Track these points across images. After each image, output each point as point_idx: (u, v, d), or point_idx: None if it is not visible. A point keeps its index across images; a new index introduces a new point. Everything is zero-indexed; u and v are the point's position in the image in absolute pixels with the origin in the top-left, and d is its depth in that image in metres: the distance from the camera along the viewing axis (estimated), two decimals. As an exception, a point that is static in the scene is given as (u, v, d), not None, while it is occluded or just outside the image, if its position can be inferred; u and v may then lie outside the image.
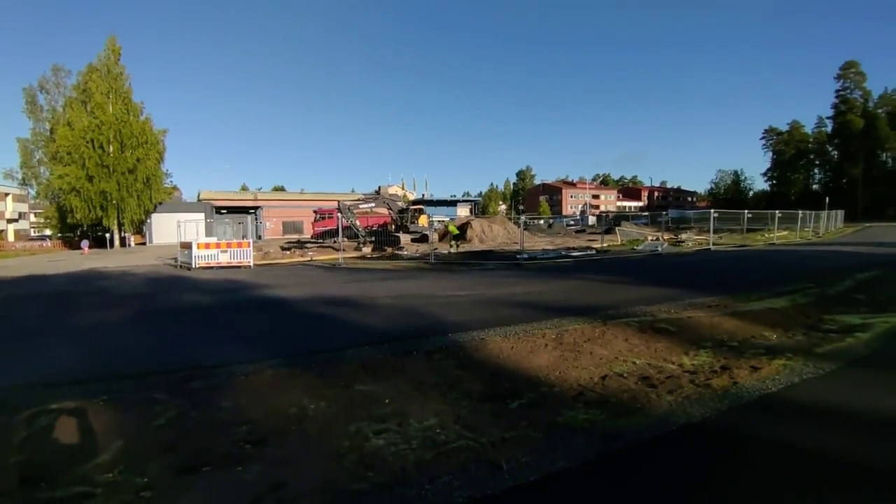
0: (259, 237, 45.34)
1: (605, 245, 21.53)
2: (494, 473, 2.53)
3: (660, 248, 18.21)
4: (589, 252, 18.13)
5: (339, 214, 21.42)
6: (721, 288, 8.28)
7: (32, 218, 69.98)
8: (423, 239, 25.91)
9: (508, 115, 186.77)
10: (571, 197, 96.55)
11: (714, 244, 20.02)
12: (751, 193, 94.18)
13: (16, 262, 24.83)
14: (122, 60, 38.58)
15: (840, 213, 38.37)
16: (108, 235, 37.92)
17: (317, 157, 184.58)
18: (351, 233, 23.78)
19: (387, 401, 3.56)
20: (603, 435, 2.95)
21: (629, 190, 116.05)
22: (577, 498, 2.36)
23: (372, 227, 28.42)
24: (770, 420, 3.18)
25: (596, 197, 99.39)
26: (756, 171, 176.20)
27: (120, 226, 38.45)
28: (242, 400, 3.62)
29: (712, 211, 21.61)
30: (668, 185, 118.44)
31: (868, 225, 43.51)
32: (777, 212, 23.80)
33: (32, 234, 63.78)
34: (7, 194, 62.26)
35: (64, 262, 22.52)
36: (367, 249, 22.01)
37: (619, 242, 24.01)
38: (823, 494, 2.29)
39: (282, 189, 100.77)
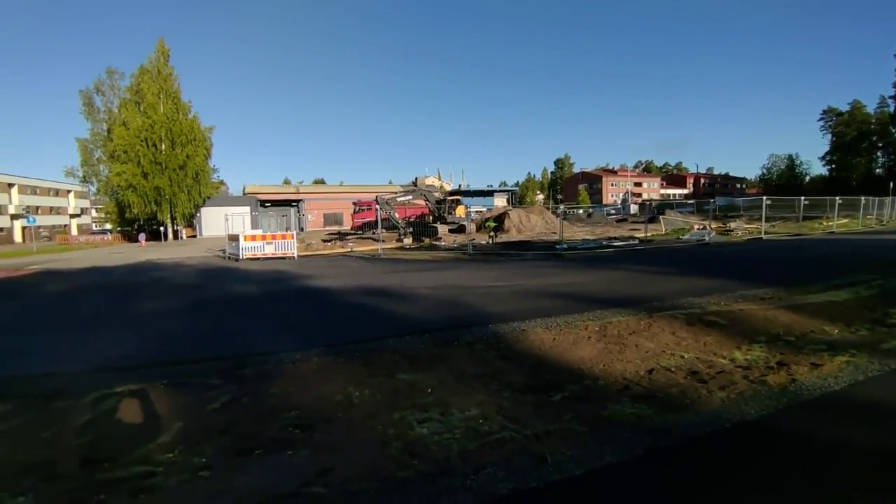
0: (301, 229, 46.62)
1: (648, 234, 20.83)
2: (539, 466, 2.50)
3: (707, 238, 17.45)
4: (631, 242, 17.61)
5: (377, 206, 21.75)
6: (775, 279, 7.86)
7: (94, 213, 74.67)
8: (461, 229, 25.96)
9: (545, 103, 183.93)
10: (612, 185, 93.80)
11: (766, 233, 19.05)
12: (807, 179, 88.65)
13: (79, 254, 26.59)
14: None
15: (905, 200, 35.60)
16: (162, 229, 40.06)
17: (354, 150, 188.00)
18: (390, 224, 24.08)
19: (429, 390, 3.59)
20: (651, 430, 2.86)
21: (673, 177, 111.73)
22: (625, 494, 2.30)
23: (410, 217, 28.67)
24: (834, 419, 3.00)
25: (638, 185, 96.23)
26: (812, 156, 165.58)
27: (172, 219, 40.49)
28: (290, 387, 3.75)
29: (764, 198, 20.54)
30: (715, 172, 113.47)
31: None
32: (837, 198, 22.30)
33: (94, 228, 68.09)
34: (69, 191, 66.70)
35: (123, 254, 23.96)
36: (407, 241, 22.24)
37: (663, 232, 23.19)
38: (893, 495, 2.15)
39: (322, 182, 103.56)
